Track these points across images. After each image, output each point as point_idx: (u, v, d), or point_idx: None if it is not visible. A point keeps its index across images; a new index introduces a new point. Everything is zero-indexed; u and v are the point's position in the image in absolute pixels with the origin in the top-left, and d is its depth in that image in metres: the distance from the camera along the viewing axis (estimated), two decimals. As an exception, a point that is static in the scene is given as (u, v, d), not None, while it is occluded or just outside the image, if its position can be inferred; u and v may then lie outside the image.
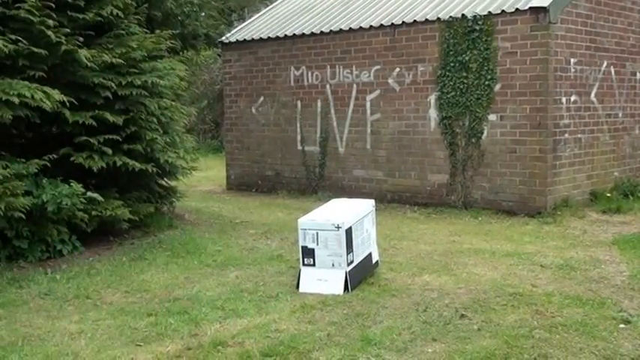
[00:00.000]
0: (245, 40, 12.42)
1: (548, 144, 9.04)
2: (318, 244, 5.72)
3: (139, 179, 8.19)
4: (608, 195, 9.74)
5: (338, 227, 5.64)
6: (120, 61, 7.36)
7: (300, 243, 5.80)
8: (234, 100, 12.83)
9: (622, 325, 4.77)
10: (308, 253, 5.75)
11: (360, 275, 5.93)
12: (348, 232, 5.73)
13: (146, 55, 7.73)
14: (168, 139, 8.20)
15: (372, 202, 6.47)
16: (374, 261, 6.30)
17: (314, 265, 5.74)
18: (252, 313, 5.20)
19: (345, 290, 5.62)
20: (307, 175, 11.69)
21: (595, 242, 7.58)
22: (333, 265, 5.68)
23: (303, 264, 5.79)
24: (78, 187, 6.92)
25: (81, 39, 7.21)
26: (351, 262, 5.75)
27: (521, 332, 4.62)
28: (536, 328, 4.71)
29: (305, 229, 5.77)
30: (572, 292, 5.57)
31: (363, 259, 6.01)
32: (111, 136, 7.38)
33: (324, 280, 5.68)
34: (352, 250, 5.77)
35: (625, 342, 4.46)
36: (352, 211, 6.05)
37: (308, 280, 5.75)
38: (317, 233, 5.72)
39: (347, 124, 11.09)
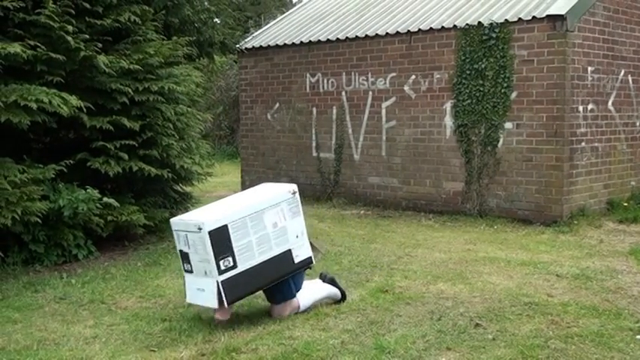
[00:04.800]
0: (261, 46, 12.46)
1: (564, 153, 8.97)
2: (189, 248, 4.93)
3: (155, 185, 8.23)
4: (625, 204, 9.66)
5: (199, 229, 4.74)
6: (137, 67, 7.41)
7: (177, 246, 5.13)
8: (250, 106, 12.87)
9: (638, 337, 4.71)
10: (184, 257, 5.01)
11: (255, 282, 5.00)
12: (219, 233, 4.76)
13: (163, 61, 7.77)
14: (184, 145, 8.23)
15: (290, 187, 5.28)
16: (299, 259, 5.19)
17: (192, 271, 5.00)
18: (265, 319, 5.19)
19: (220, 304, 4.81)
20: (322, 181, 11.69)
21: (612, 252, 7.51)
22: (205, 273, 4.85)
23: (184, 270, 5.09)
24: (94, 193, 6.97)
25: (99, 45, 7.27)
26: (230, 267, 4.82)
27: (537, 342, 4.58)
28: (552, 338, 4.67)
29: (177, 231, 5.03)
30: (589, 302, 5.52)
31: (266, 261, 5.00)
32: (127, 142, 7.42)
33: (201, 289, 4.93)
34: (232, 254, 4.82)
35: (642, 354, 4.42)
36: (241, 205, 5.06)
37: (190, 289, 5.07)
38: (186, 235, 4.91)
39: (362, 131, 11.08)
